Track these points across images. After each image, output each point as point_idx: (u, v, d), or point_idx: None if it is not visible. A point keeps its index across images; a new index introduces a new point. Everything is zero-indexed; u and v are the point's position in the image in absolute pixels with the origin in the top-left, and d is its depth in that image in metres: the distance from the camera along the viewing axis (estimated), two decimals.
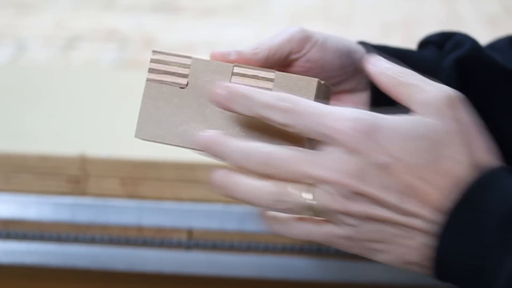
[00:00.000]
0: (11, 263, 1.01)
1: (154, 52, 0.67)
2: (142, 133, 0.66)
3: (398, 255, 0.59)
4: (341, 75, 0.71)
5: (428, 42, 0.79)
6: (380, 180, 0.57)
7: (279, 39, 0.69)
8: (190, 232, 1.00)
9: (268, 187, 0.59)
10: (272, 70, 0.65)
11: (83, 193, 1.00)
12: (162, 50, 0.67)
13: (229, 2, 1.64)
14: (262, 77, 0.64)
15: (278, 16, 1.58)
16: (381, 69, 0.60)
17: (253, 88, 0.61)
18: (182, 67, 0.66)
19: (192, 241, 1.00)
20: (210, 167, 0.99)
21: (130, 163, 0.99)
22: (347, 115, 0.57)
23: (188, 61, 0.66)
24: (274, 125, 0.59)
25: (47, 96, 1.15)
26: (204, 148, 0.61)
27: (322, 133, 0.57)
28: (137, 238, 1.00)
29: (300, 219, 0.60)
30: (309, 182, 0.58)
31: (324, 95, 0.65)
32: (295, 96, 0.59)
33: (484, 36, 0.81)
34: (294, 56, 0.69)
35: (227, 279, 1.01)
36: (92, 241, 1.00)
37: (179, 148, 0.66)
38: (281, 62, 0.70)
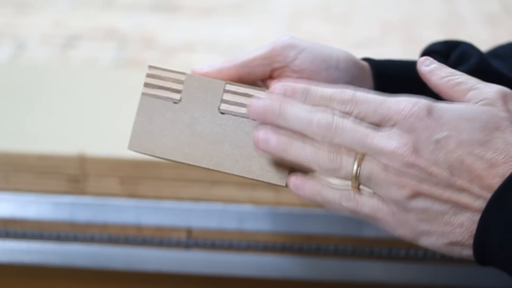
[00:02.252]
0: (10, 262, 1.01)
1: (150, 67, 0.69)
2: (135, 145, 0.68)
3: (442, 235, 0.59)
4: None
5: (432, 52, 0.78)
6: (432, 154, 0.58)
7: (261, 48, 0.70)
8: (189, 231, 1.00)
9: (324, 150, 0.60)
10: (264, 88, 0.66)
11: (82, 192, 1.00)
12: (158, 66, 0.69)
13: (229, 2, 1.64)
14: (253, 95, 0.65)
15: (277, 15, 1.58)
16: (435, 71, 0.63)
17: (312, 84, 0.62)
18: (176, 82, 0.68)
19: (191, 240, 1.00)
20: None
21: (130, 163, 0.99)
22: (404, 99, 0.60)
23: (182, 77, 0.68)
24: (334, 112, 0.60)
25: (47, 95, 1.15)
26: (262, 112, 0.62)
27: (382, 115, 0.59)
28: (136, 237, 1.00)
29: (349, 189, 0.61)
30: (364, 151, 0.59)
31: None
32: (351, 88, 0.61)
33: (483, 36, 0.81)
34: (278, 65, 0.70)
35: (226, 278, 1.01)
36: (91, 240, 1.00)
37: (170, 161, 0.68)
38: (267, 72, 0.71)
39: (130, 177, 0.99)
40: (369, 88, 0.74)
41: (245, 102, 0.65)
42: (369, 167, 0.59)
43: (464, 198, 0.58)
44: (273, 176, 0.65)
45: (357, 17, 1.59)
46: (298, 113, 0.61)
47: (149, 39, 1.42)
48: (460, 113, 0.59)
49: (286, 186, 0.64)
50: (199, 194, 0.99)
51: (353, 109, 0.60)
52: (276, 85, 0.62)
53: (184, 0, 1.64)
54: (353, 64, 0.73)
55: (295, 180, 0.62)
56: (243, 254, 1.00)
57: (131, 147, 0.69)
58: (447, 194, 0.58)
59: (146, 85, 0.69)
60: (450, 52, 0.77)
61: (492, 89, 0.61)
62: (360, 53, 0.78)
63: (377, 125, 0.60)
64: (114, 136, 1.04)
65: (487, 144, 0.58)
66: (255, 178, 0.65)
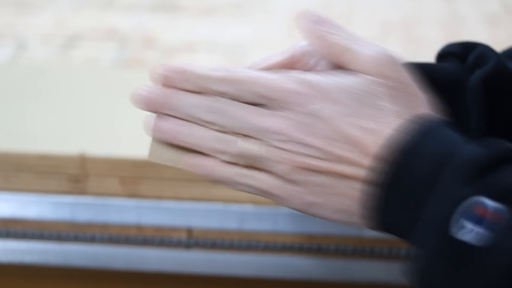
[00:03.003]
0: (10, 262, 1.01)
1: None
2: (155, 156, 0.67)
3: (333, 207, 0.61)
4: None
5: (448, 54, 0.78)
6: (311, 127, 0.60)
7: (280, 55, 0.70)
8: (190, 231, 1.00)
9: (212, 134, 0.62)
10: None
11: (83, 192, 1.00)
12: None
13: (229, 1, 1.64)
14: None
15: (278, 15, 1.58)
16: (313, 29, 0.64)
17: (191, 63, 0.64)
18: None
19: (192, 240, 1.00)
20: None
21: (130, 162, 0.99)
22: (278, 75, 0.61)
23: None
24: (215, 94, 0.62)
25: (47, 95, 1.15)
26: (148, 102, 0.64)
27: (258, 94, 0.61)
28: (137, 237, 1.00)
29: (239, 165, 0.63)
30: (246, 132, 0.61)
31: None
32: (228, 64, 0.62)
33: (484, 36, 0.81)
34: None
35: (227, 278, 1.01)
36: (92, 240, 1.00)
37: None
38: None
39: (130, 177, 0.99)
40: None
41: None
42: (252, 146, 0.61)
43: (343, 168, 0.59)
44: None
45: (357, 17, 1.59)
46: (183, 102, 0.63)
47: (150, 39, 1.42)
48: (336, 84, 0.60)
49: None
50: (200, 194, 0.99)
51: (229, 89, 0.61)
52: (156, 66, 0.64)
53: (185, 0, 1.64)
54: None
55: (190, 160, 0.64)
56: (244, 254, 1.00)
57: (150, 158, 0.68)
58: (327, 165, 0.60)
59: None
60: (467, 54, 0.76)
61: (368, 54, 0.61)
62: None
63: (257, 103, 0.61)
64: (115, 136, 1.04)
65: (362, 113, 0.59)
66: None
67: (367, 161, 0.59)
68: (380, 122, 0.59)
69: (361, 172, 0.59)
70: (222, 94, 0.62)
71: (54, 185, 1.00)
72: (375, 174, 0.59)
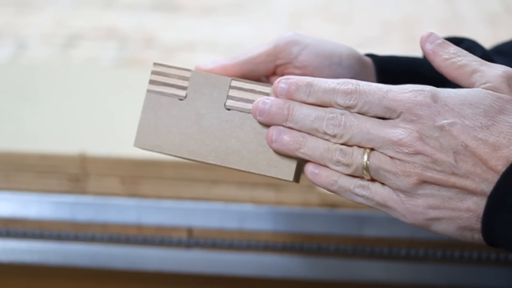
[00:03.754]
0: (11, 261, 1.01)
1: (155, 64, 0.69)
2: (141, 142, 0.67)
3: (451, 221, 0.60)
4: None
5: None
6: (436, 141, 0.59)
7: (265, 45, 0.70)
8: (190, 230, 1.00)
9: (336, 146, 0.61)
10: (269, 84, 0.66)
11: (83, 191, 1.00)
12: (163, 63, 0.69)
13: (229, 1, 1.64)
14: (259, 91, 0.65)
15: (278, 15, 1.58)
16: (438, 52, 0.63)
17: (315, 77, 0.62)
18: (182, 79, 0.68)
19: (192, 239, 1.00)
20: (209, 167, 0.99)
21: (130, 162, 0.99)
22: (406, 88, 0.60)
23: (187, 74, 0.68)
24: (336, 107, 0.61)
25: (47, 95, 1.15)
26: (270, 116, 0.63)
27: (386, 107, 0.60)
28: (137, 237, 1.00)
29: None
30: (371, 145, 0.60)
31: None
32: (354, 79, 0.61)
33: (484, 35, 0.81)
34: (282, 61, 0.70)
35: (227, 278, 1.01)
36: (92, 239, 1.00)
37: (176, 157, 0.67)
38: (271, 69, 0.71)
39: (130, 176, 0.99)
40: None
41: (251, 98, 0.65)
42: (377, 159, 0.60)
43: (469, 183, 0.59)
44: (279, 171, 0.65)
45: (357, 16, 1.59)
46: (305, 115, 0.62)
47: (150, 39, 1.42)
48: (463, 99, 0.59)
49: (294, 181, 0.65)
50: (200, 194, 0.99)
51: (357, 102, 0.60)
52: (280, 80, 0.63)
53: None
54: (356, 60, 0.73)
55: (312, 169, 0.63)
56: (244, 253, 1.00)
57: (137, 144, 0.68)
58: (453, 180, 0.59)
59: (151, 82, 0.69)
60: None
61: (496, 71, 0.61)
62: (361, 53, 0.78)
63: (383, 116, 0.60)
64: (115, 136, 1.04)
65: (490, 128, 0.59)
66: (262, 173, 0.65)
67: (493, 177, 0.58)
68: (505, 138, 0.58)
69: (487, 188, 0.58)
70: (348, 108, 0.61)
71: (54, 184, 1.00)
72: (489, 187, 0.58)
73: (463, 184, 0.59)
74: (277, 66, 0.71)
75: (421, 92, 0.60)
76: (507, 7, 1.61)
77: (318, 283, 1.01)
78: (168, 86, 0.68)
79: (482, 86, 0.61)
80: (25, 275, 1.04)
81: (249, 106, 0.65)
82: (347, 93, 0.61)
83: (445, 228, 0.60)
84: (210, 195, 0.99)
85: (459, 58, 0.63)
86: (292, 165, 0.64)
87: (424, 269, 0.99)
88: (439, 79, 0.68)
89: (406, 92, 0.60)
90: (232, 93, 0.66)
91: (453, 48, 0.63)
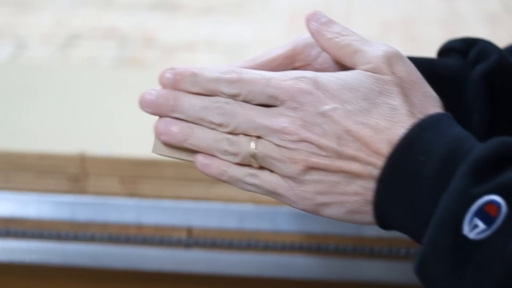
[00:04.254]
0: (10, 261, 1.01)
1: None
2: (159, 148, 0.67)
3: (340, 205, 0.61)
4: None
5: (450, 49, 0.78)
6: (320, 127, 0.60)
7: (282, 47, 0.70)
8: (189, 230, 1.00)
9: (223, 136, 0.62)
10: None
11: (82, 191, 1.00)
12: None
13: (229, 1, 1.64)
14: None
15: (278, 14, 1.58)
16: (322, 31, 0.65)
17: (200, 66, 0.64)
18: None
19: (192, 239, 1.00)
20: None
21: (130, 162, 0.99)
22: (288, 75, 0.61)
23: None
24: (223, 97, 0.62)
25: (47, 94, 1.15)
26: (155, 106, 0.64)
27: (269, 95, 0.61)
28: (137, 237, 1.00)
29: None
30: (257, 134, 0.61)
31: None
32: (238, 67, 0.63)
33: (484, 35, 0.81)
34: (300, 64, 0.70)
35: (226, 278, 1.01)
36: (91, 239, 1.00)
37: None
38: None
39: (130, 176, 0.99)
40: None
41: None
42: (264, 147, 0.61)
43: (355, 167, 0.59)
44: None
45: (357, 16, 1.59)
46: (191, 105, 0.63)
47: (149, 38, 1.42)
48: (344, 83, 0.60)
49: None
50: (200, 193, 0.99)
51: (241, 90, 0.61)
52: (165, 70, 0.64)
53: None
54: None
55: (201, 159, 0.64)
56: (244, 253, 1.00)
57: (155, 150, 0.68)
58: (338, 164, 0.60)
59: None
60: (468, 49, 0.76)
61: (376, 52, 0.62)
62: None
63: (267, 104, 0.61)
64: (115, 135, 1.04)
65: (371, 111, 0.59)
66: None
67: (378, 160, 0.59)
68: (393, 121, 0.59)
69: (373, 171, 0.59)
70: (233, 97, 0.62)
71: (54, 184, 1.00)
72: (377, 171, 0.59)
73: (349, 168, 0.60)
74: (295, 68, 0.71)
75: (302, 79, 0.60)
76: (507, 7, 1.62)
77: (318, 283, 1.01)
78: None
79: (363, 67, 0.61)
80: (24, 275, 1.04)
81: None
82: (230, 82, 0.62)
83: (334, 212, 0.61)
84: (209, 194, 0.99)
85: (342, 38, 0.64)
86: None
87: None
88: (455, 80, 0.68)
89: (288, 80, 0.61)
90: None
91: (337, 27, 0.64)
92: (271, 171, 0.62)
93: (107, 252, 1.00)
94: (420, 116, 0.60)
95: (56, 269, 1.03)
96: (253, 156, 0.62)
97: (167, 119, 0.64)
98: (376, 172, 0.59)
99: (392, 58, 0.61)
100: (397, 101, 0.60)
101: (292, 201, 0.62)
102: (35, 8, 1.58)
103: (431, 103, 0.61)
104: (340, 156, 0.60)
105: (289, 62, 0.71)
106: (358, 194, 0.60)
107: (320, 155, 0.60)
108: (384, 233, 0.98)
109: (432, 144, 0.58)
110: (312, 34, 0.65)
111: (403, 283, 1.00)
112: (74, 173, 1.00)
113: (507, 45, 0.81)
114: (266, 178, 0.62)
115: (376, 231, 0.99)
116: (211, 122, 0.62)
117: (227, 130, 0.62)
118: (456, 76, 0.71)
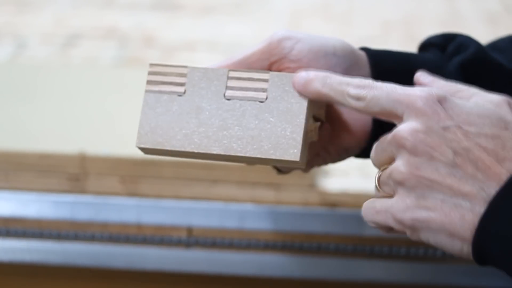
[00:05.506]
0: (10, 261, 1.01)
1: (151, 64, 0.69)
2: (143, 141, 0.68)
3: (442, 226, 0.57)
4: None
5: (429, 44, 0.78)
6: (438, 140, 0.58)
7: (258, 44, 0.71)
8: (189, 230, 1.00)
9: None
10: (267, 71, 0.67)
11: (82, 191, 1.00)
12: (159, 62, 0.69)
13: (229, 0, 1.64)
14: (257, 78, 0.66)
15: (278, 14, 1.58)
16: (435, 82, 0.65)
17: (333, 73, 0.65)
18: (179, 76, 0.69)
19: (192, 239, 1.00)
20: (209, 166, 1.00)
21: (130, 161, 0.99)
22: (417, 88, 0.60)
23: (184, 70, 0.69)
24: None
25: (47, 94, 1.15)
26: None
27: (394, 99, 0.60)
28: (137, 236, 1.00)
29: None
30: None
31: None
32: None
33: (484, 35, 0.81)
34: (276, 57, 0.71)
35: (226, 277, 1.01)
36: (91, 239, 1.00)
37: (178, 156, 0.68)
38: (265, 67, 0.72)
39: (130, 175, 0.99)
40: (367, 77, 0.74)
41: (250, 86, 0.67)
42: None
43: (467, 187, 0.57)
44: (285, 152, 0.65)
45: (357, 16, 1.59)
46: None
47: (149, 38, 1.42)
48: (471, 108, 0.59)
49: (300, 162, 0.65)
50: (200, 193, 0.99)
51: (367, 94, 0.61)
52: (300, 72, 0.65)
53: None
54: (350, 51, 0.73)
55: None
56: (244, 253, 1.00)
57: (139, 143, 0.69)
58: (449, 181, 0.57)
59: (149, 82, 0.69)
60: (447, 45, 0.77)
61: (496, 95, 0.61)
62: None
63: (389, 113, 0.61)
64: (115, 135, 1.04)
65: (495, 140, 0.58)
66: (267, 157, 0.65)
67: (484, 179, 0.57)
68: (502, 147, 0.58)
69: (483, 195, 0.56)
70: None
71: (54, 184, 1.00)
72: (487, 196, 0.56)
73: (460, 187, 0.57)
74: (271, 64, 0.72)
75: (430, 90, 0.60)
76: (507, 7, 1.61)
77: (318, 283, 1.01)
78: (166, 84, 0.69)
79: (485, 104, 0.60)
80: (24, 274, 1.04)
81: (248, 94, 0.66)
82: (360, 86, 0.62)
83: (435, 234, 0.58)
84: (210, 194, 0.99)
85: (457, 85, 0.64)
86: (298, 145, 0.65)
87: (424, 269, 0.99)
88: (433, 72, 0.69)
89: (415, 89, 0.60)
90: (231, 83, 0.67)
91: (445, 81, 0.65)
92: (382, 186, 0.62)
93: (107, 251, 1.00)
94: None
95: (56, 269, 1.03)
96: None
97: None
98: (487, 197, 0.56)
99: (511, 102, 0.61)
100: None
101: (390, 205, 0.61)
102: (35, 7, 1.58)
103: None
104: (454, 171, 0.57)
105: (266, 57, 0.71)
106: (464, 218, 0.57)
107: (431, 167, 0.58)
108: (384, 234, 0.98)
109: None
110: (425, 84, 0.65)
111: (403, 283, 1.00)
112: (74, 172, 1.00)
113: (491, 41, 0.82)
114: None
115: (376, 231, 0.99)
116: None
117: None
118: (433, 69, 0.71)
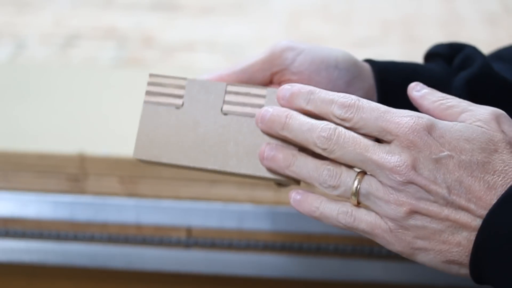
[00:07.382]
0: (10, 261, 1.01)
1: (151, 75, 0.69)
2: (140, 153, 0.68)
3: (439, 254, 0.59)
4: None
5: (435, 54, 0.78)
6: (431, 172, 0.58)
7: (260, 54, 0.71)
8: (189, 230, 1.00)
9: (325, 167, 0.60)
10: (264, 86, 0.66)
11: (82, 191, 1.00)
12: (159, 73, 0.69)
13: (229, 1, 1.64)
14: (254, 94, 0.66)
15: (277, 15, 1.58)
16: (426, 96, 0.63)
17: (319, 88, 0.62)
18: (178, 88, 0.68)
19: (191, 239, 1.00)
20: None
21: (129, 162, 0.99)
22: (405, 113, 0.59)
23: (183, 82, 0.69)
24: (334, 120, 0.60)
25: (46, 94, 1.15)
26: (269, 121, 0.62)
27: (382, 127, 0.59)
28: (136, 236, 1.00)
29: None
30: (363, 168, 0.59)
31: None
32: (356, 96, 0.60)
33: (484, 35, 0.81)
34: (278, 68, 0.70)
35: (226, 277, 1.01)
36: (91, 239, 1.00)
37: (175, 167, 0.68)
38: (267, 77, 0.72)
39: (130, 176, 0.99)
40: (370, 89, 0.74)
41: (247, 101, 0.66)
42: (368, 184, 0.59)
43: (463, 217, 0.58)
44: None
45: (357, 16, 1.59)
46: (300, 124, 0.61)
47: (149, 38, 1.42)
48: (460, 133, 0.59)
49: (293, 182, 0.65)
50: (199, 193, 0.99)
51: (353, 116, 0.59)
52: (284, 85, 0.62)
53: None
54: (352, 63, 0.73)
55: (295, 196, 0.62)
56: (243, 253, 1.00)
57: (136, 155, 0.69)
58: (446, 212, 0.58)
59: (148, 93, 0.69)
60: (453, 55, 0.77)
61: (485, 111, 0.60)
62: (360, 53, 0.78)
63: (376, 137, 0.59)
64: (114, 135, 1.04)
65: (486, 166, 0.58)
66: (261, 175, 0.65)
67: (477, 209, 0.58)
68: (500, 177, 0.58)
69: (477, 223, 0.58)
70: (343, 121, 0.60)
71: (53, 184, 1.00)
72: (485, 226, 0.57)
73: (456, 218, 0.58)
74: (273, 74, 0.72)
75: (419, 119, 0.58)
76: (506, 7, 1.62)
77: (317, 283, 1.01)
78: (165, 96, 0.69)
79: (473, 124, 0.60)
80: (24, 275, 1.04)
81: (245, 109, 0.66)
82: (345, 105, 0.60)
83: (431, 259, 0.60)
84: (209, 195, 0.99)
85: (448, 100, 0.62)
86: None
87: (424, 269, 0.99)
88: (439, 86, 0.68)
89: (404, 116, 0.59)
90: (228, 98, 0.67)
91: (440, 94, 0.63)
92: (368, 210, 0.60)
93: (106, 252, 1.00)
94: None
95: (56, 269, 1.03)
96: (354, 193, 0.60)
97: (272, 145, 0.63)
98: (479, 224, 0.58)
99: (500, 117, 0.60)
100: (508, 159, 0.59)
101: (388, 243, 0.60)
102: (35, 8, 1.58)
103: None
104: (449, 204, 0.58)
105: (267, 67, 0.71)
106: (461, 245, 0.58)
107: (428, 200, 0.58)
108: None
109: None
110: (415, 99, 0.63)
111: (403, 283, 1.00)
112: (73, 173, 1.00)
113: (493, 50, 0.82)
114: (363, 218, 0.60)
115: None
116: (316, 145, 0.60)
117: (332, 156, 0.60)
118: (439, 82, 0.71)
